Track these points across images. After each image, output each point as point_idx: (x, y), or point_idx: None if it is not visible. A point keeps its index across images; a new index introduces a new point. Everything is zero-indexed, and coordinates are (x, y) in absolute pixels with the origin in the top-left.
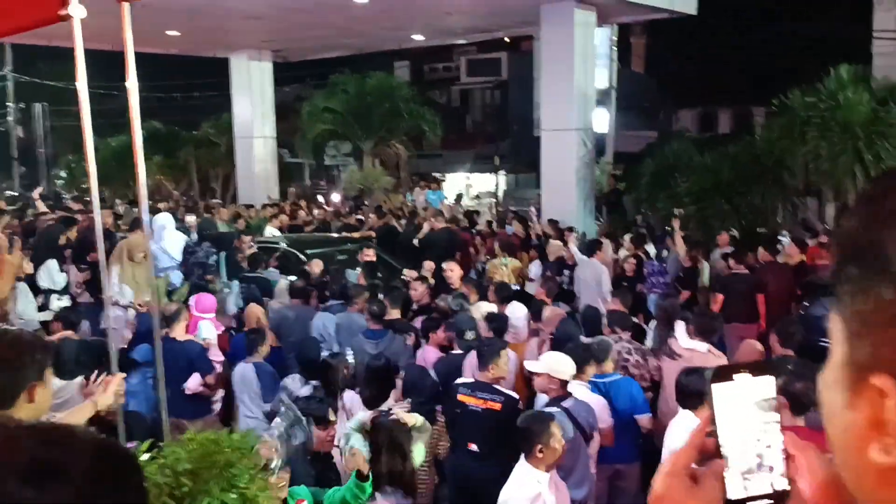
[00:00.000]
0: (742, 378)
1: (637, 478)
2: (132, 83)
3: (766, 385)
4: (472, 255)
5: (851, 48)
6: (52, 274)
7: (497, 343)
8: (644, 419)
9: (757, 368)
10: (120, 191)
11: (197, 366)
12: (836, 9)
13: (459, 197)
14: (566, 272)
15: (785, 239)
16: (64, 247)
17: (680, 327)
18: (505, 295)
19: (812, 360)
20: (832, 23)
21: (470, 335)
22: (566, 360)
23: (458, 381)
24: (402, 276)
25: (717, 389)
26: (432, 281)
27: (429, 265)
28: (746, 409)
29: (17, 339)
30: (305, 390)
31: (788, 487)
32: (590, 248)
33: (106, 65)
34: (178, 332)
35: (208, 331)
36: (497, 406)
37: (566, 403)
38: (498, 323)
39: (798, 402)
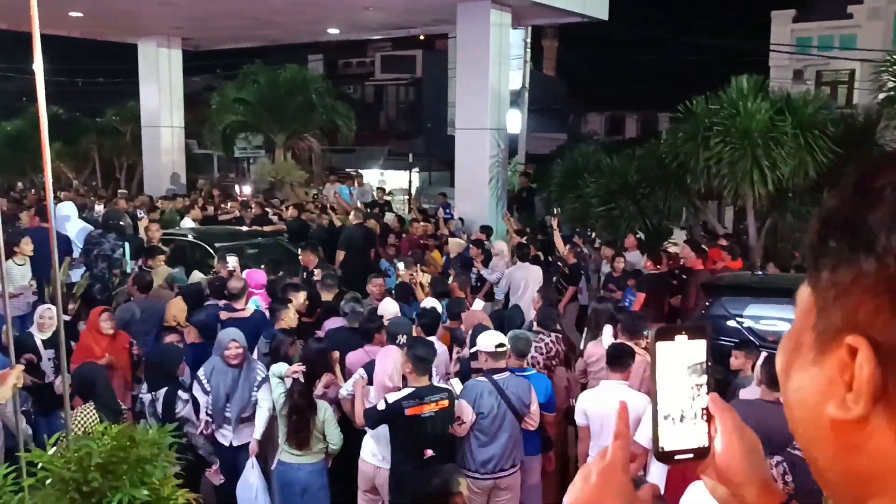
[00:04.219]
0: (681, 339)
1: (538, 470)
2: (38, 66)
3: (700, 348)
4: (382, 252)
5: (752, 59)
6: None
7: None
8: (550, 417)
9: (693, 331)
10: (15, 178)
11: (265, 334)
12: (740, 22)
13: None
14: (475, 270)
15: (679, 241)
16: None
17: (608, 331)
18: (440, 291)
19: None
20: (736, 35)
21: (403, 339)
22: (489, 335)
23: (393, 398)
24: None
25: (660, 347)
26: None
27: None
28: (681, 369)
29: None
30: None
31: (708, 445)
32: (523, 253)
33: (2, 45)
34: (241, 307)
35: (257, 304)
36: (446, 403)
37: (498, 377)
38: (428, 318)
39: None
